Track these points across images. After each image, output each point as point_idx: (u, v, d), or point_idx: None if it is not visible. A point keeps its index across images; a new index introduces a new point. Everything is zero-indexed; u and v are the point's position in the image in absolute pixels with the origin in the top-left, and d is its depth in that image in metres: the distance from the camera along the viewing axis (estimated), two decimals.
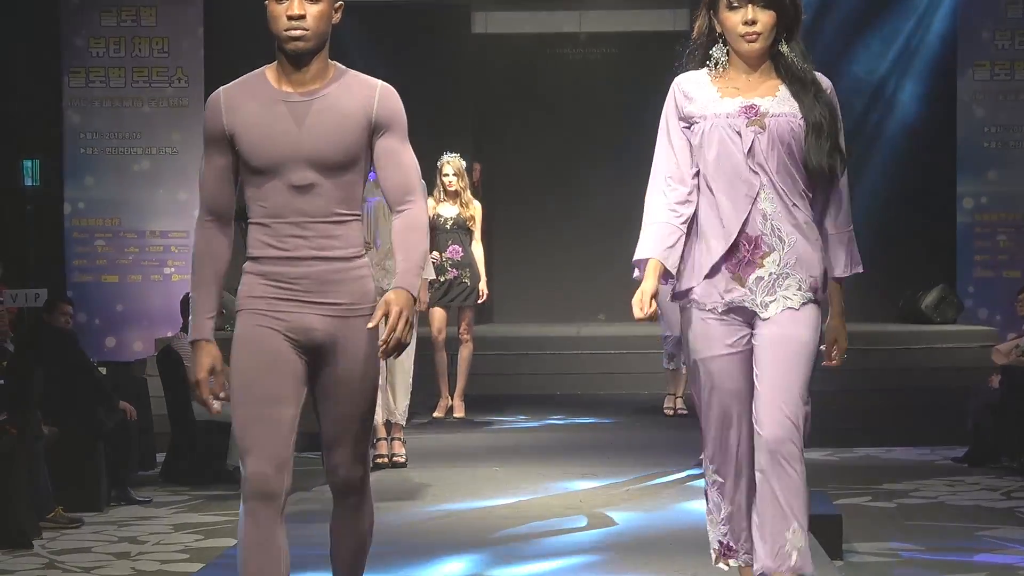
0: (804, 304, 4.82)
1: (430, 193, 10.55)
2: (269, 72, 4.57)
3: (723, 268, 4.83)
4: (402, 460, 9.42)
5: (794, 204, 4.80)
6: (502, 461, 9.71)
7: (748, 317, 4.86)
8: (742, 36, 4.81)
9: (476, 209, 11.50)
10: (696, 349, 4.92)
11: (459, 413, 11.80)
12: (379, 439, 9.37)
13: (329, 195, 4.49)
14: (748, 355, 4.86)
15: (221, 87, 4.59)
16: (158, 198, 14.68)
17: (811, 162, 4.77)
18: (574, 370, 13.72)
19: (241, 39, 14.10)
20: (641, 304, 4.79)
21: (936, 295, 14.58)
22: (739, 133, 4.80)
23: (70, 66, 14.65)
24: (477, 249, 11.54)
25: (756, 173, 4.78)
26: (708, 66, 4.92)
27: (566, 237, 16.19)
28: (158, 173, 14.66)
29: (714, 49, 4.91)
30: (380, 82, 4.57)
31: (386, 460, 9.38)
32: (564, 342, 14.22)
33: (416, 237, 4.54)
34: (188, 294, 10.74)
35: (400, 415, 9.42)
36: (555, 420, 11.95)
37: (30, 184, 14.02)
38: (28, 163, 14.00)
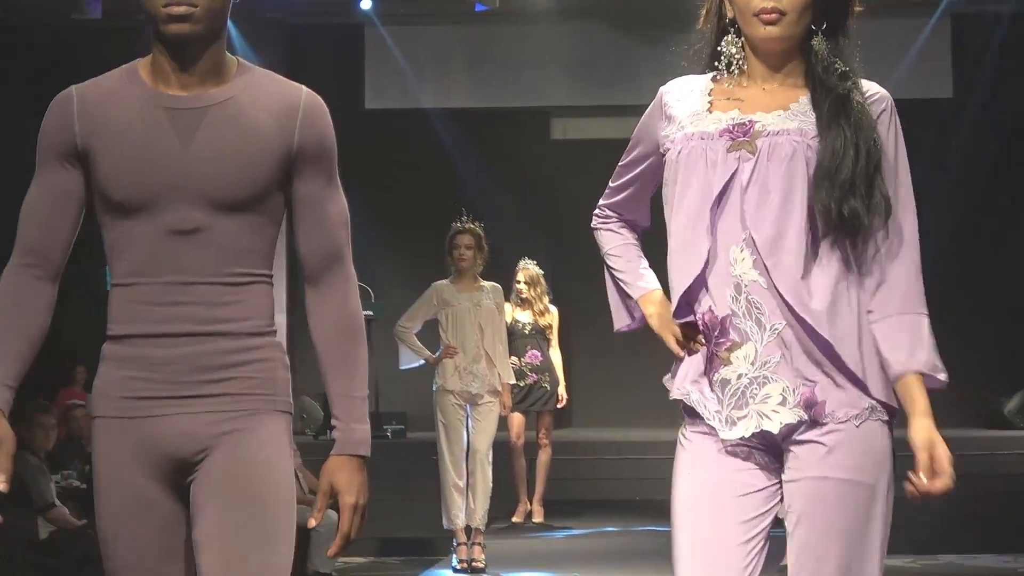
0: (805, 426, 3.14)
1: (507, 298, 10.59)
2: (143, 68, 3.20)
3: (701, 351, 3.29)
4: (481, 565, 9.42)
5: (798, 268, 3.13)
6: (581, 566, 9.66)
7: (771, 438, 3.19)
8: (757, 15, 3.21)
9: (553, 316, 11.53)
10: (677, 469, 3.41)
11: (538, 518, 11.78)
12: (459, 543, 9.41)
13: (222, 245, 3.14)
14: (765, 501, 3.23)
15: (74, 85, 3.23)
16: None
17: (816, 200, 3.13)
18: (653, 474, 13.62)
19: None
20: (674, 334, 3.37)
21: (1019, 400, 14.49)
22: (712, 162, 3.22)
23: None
24: (555, 354, 11.56)
25: (720, 222, 3.21)
26: (718, 68, 3.35)
27: (644, 341, 16.10)
28: None
29: (723, 42, 3.33)
30: (304, 90, 3.23)
31: (465, 565, 9.40)
32: (643, 446, 14.17)
33: (354, 349, 3.24)
34: None
35: (480, 519, 9.43)
36: (634, 526, 11.90)
37: (110, 289, 14.21)
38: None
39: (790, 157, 3.16)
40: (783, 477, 3.21)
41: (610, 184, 3.60)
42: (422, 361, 9.69)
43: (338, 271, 3.25)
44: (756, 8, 3.20)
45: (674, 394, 3.33)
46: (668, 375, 3.43)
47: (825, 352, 3.13)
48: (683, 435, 3.37)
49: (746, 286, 3.15)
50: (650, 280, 3.57)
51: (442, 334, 9.53)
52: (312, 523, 3.08)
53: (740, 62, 3.31)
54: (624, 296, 3.61)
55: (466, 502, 9.31)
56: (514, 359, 10.99)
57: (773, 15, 3.18)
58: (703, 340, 3.25)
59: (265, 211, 3.18)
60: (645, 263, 3.60)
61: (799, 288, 3.12)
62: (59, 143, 3.16)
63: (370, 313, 13.59)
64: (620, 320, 3.70)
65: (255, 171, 3.13)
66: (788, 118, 3.21)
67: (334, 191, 3.26)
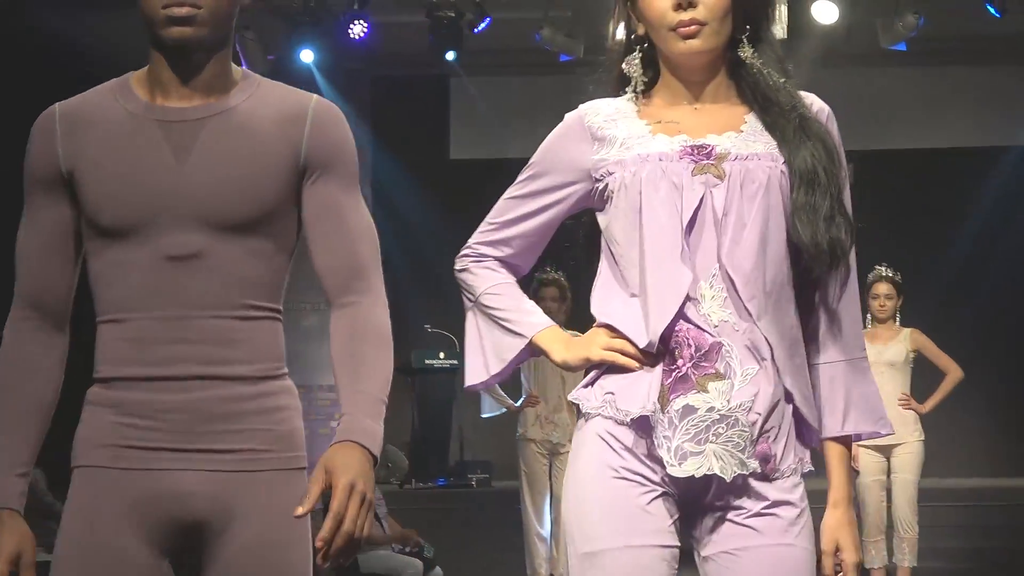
0: (747, 482, 2.80)
1: None
2: (136, 80, 2.83)
3: (655, 367, 2.84)
4: None
5: (766, 310, 2.82)
6: None
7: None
8: (673, 29, 2.87)
9: None
10: (584, 526, 2.85)
11: None
12: None
13: (225, 272, 2.75)
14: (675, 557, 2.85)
15: (59, 102, 2.85)
16: (325, 352, 14.58)
17: (802, 235, 2.81)
18: None
19: (407, 201, 14.46)
20: (618, 346, 2.89)
21: None
22: (677, 186, 2.83)
23: None
24: None
25: (694, 256, 2.83)
26: (628, 92, 3.02)
27: None
28: (325, 328, 14.52)
29: (626, 62, 3.01)
30: (315, 97, 2.85)
31: None
32: None
33: (372, 351, 2.83)
34: None
35: (563, 569, 9.41)
36: None
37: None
38: None
39: (765, 186, 2.83)
40: (724, 547, 2.85)
41: (492, 220, 3.20)
42: (503, 409, 9.69)
43: (362, 287, 2.86)
44: (672, 22, 2.86)
45: (635, 412, 2.82)
46: (587, 385, 2.95)
47: (787, 400, 2.86)
48: (611, 467, 2.85)
49: (716, 326, 2.80)
50: (542, 317, 3.12)
51: (524, 383, 9.54)
52: (299, 510, 2.59)
53: (641, 81, 2.98)
54: (501, 339, 3.10)
55: (550, 551, 9.29)
56: None
57: (692, 27, 2.85)
58: (662, 355, 2.84)
59: (272, 236, 2.81)
60: (532, 304, 3.17)
61: (784, 334, 2.83)
62: (42, 169, 2.79)
63: (455, 362, 13.63)
64: (484, 370, 3.12)
65: (258, 187, 2.75)
66: (748, 140, 2.89)
67: (354, 201, 2.85)
